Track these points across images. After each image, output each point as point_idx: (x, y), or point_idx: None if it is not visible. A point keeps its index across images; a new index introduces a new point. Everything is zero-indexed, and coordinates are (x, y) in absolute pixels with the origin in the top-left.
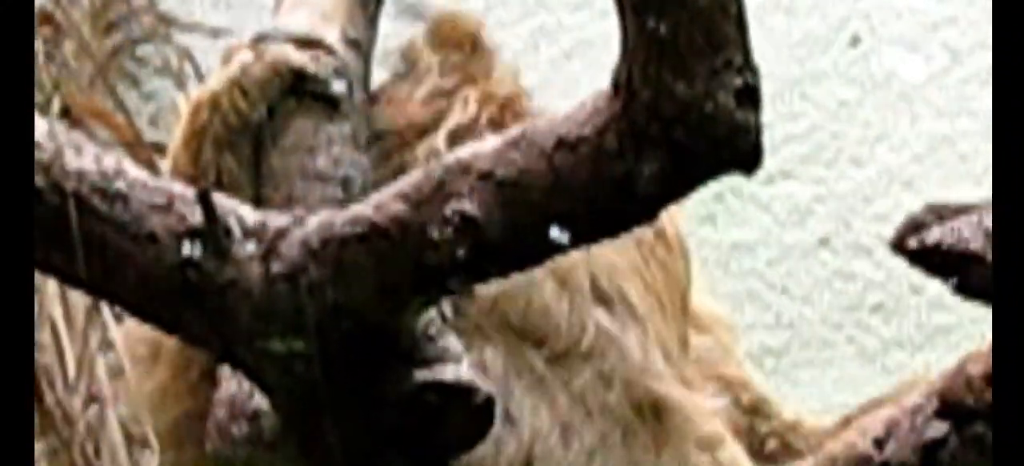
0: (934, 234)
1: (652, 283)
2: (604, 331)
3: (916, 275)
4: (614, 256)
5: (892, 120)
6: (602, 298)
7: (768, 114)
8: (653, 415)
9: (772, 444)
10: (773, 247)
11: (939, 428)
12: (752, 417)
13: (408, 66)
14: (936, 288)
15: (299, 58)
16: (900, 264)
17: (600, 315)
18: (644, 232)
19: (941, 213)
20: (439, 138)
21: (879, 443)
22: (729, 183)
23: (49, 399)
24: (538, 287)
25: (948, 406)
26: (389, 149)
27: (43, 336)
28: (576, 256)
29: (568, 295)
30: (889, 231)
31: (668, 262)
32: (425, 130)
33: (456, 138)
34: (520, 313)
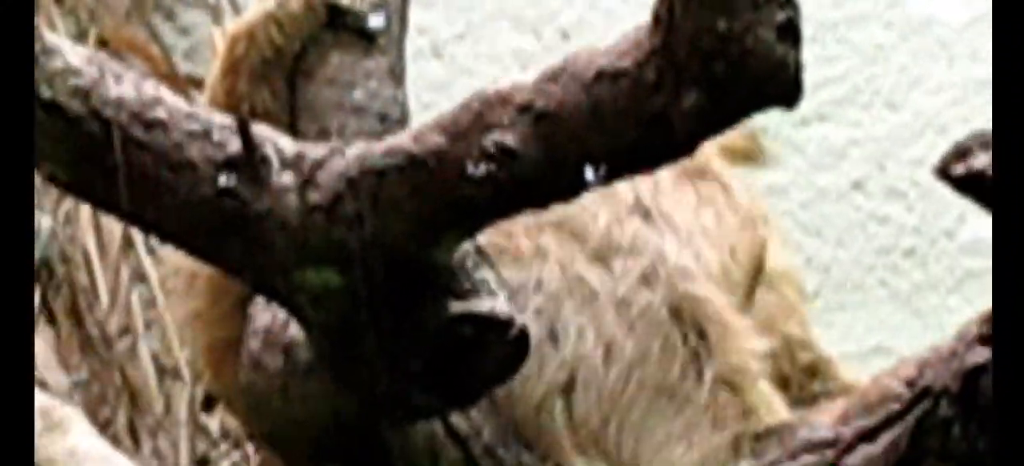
0: (980, 160)
1: (700, 215)
2: (640, 232)
3: (949, 219)
4: (659, 177)
5: (929, 64)
6: (642, 210)
7: (804, 56)
8: (693, 327)
9: (822, 403)
10: (807, 189)
11: (982, 353)
12: (807, 376)
13: None
14: (969, 233)
15: None
16: (933, 208)
17: (637, 222)
18: (707, 184)
19: (987, 142)
20: None
21: (911, 382)
22: (763, 123)
23: (87, 322)
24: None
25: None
26: None
27: (78, 261)
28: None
29: (609, 203)
30: (923, 175)
31: (725, 212)
32: None
33: None
34: (566, 210)
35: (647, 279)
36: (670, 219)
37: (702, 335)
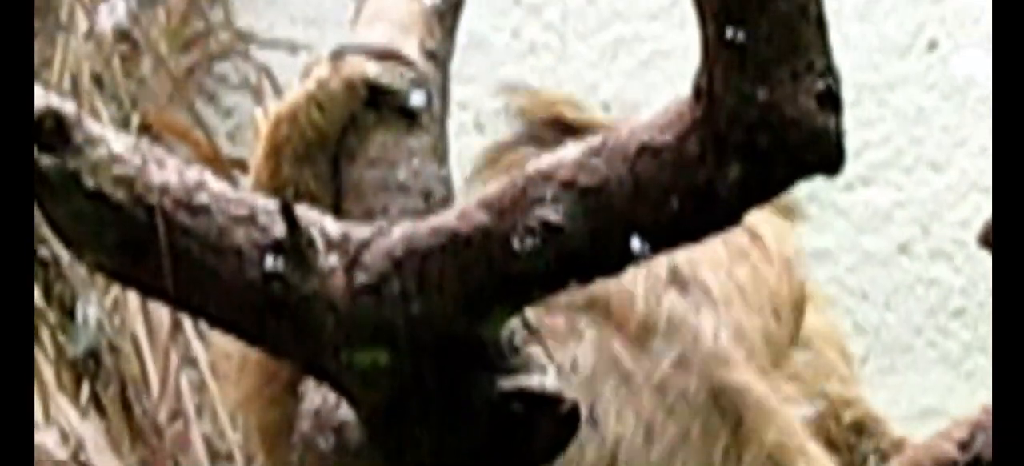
0: None
1: (735, 276)
2: (677, 312)
3: None
4: (697, 250)
5: (971, 124)
6: (678, 281)
7: (846, 121)
8: (733, 413)
9: (874, 462)
10: (853, 253)
11: None
12: (854, 434)
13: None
14: None
15: (376, 71)
16: (980, 268)
17: (673, 296)
18: (736, 237)
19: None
20: None
21: (964, 445)
22: (808, 189)
23: (137, 411)
24: None
25: None
26: None
27: (126, 350)
28: None
29: (645, 271)
30: (969, 236)
31: (759, 265)
32: None
33: None
34: (603, 288)
35: (684, 363)
36: (707, 289)
37: (741, 421)
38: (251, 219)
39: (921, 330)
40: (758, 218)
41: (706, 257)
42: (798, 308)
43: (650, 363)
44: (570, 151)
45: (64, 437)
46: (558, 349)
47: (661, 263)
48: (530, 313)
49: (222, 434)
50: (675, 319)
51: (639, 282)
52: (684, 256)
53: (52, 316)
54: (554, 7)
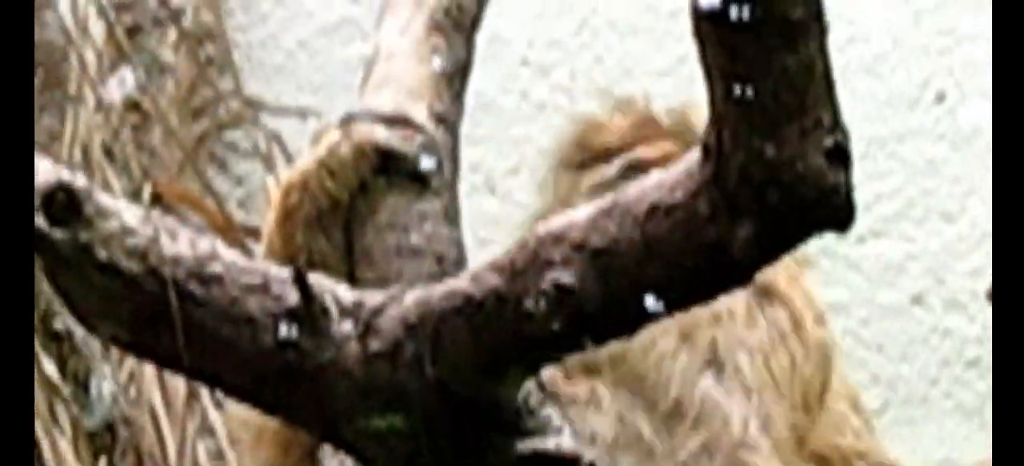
0: None
1: (772, 365)
2: (710, 395)
3: None
4: (741, 329)
5: (980, 174)
6: (716, 362)
7: (857, 174)
8: None
9: None
10: (867, 306)
11: None
12: None
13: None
14: None
15: (386, 137)
16: None
17: (709, 379)
18: (784, 324)
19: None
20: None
21: None
22: (820, 244)
23: None
24: (664, 333)
25: None
26: None
27: (143, 422)
28: (702, 313)
29: (686, 349)
30: (982, 286)
31: (797, 356)
32: None
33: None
34: (639, 355)
35: (709, 448)
36: (743, 376)
37: None
38: (264, 288)
39: (937, 381)
40: (801, 299)
41: (747, 341)
42: (823, 392)
43: (674, 443)
44: (581, 212)
45: None
46: (578, 416)
47: (702, 341)
48: (548, 378)
49: None
50: (707, 405)
51: (678, 361)
52: (725, 336)
53: (67, 390)
54: (562, 68)
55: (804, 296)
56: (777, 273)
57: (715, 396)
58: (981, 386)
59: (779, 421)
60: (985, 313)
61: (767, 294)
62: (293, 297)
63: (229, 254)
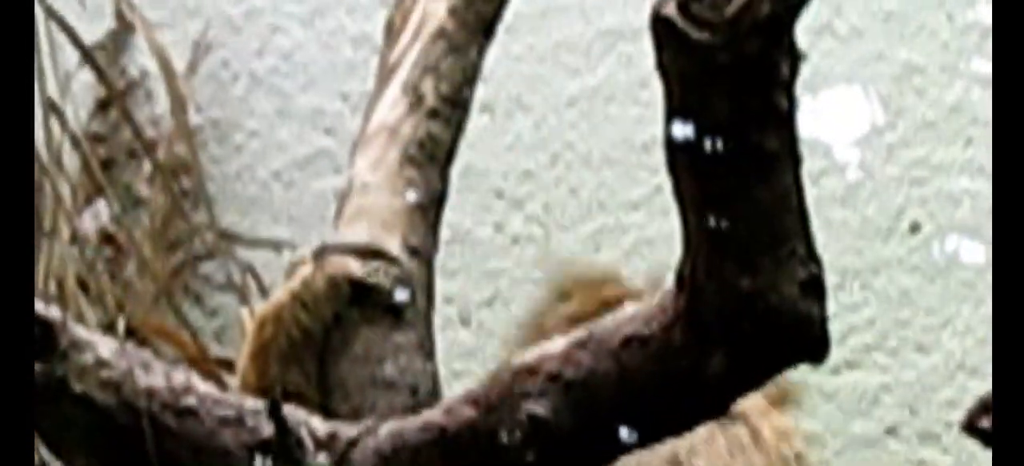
0: None
1: (728, 463)
2: None
3: (986, 461)
4: (700, 443)
5: (955, 306)
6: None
7: (831, 305)
8: None
9: None
10: (841, 437)
11: None
12: None
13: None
14: None
15: (360, 269)
16: (969, 450)
17: None
18: (744, 438)
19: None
20: None
21: None
22: (795, 375)
23: None
24: None
25: None
26: None
27: None
28: None
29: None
30: (957, 418)
31: (748, 448)
32: None
33: None
34: None
35: None
36: None
37: None
38: (239, 420)
39: None
40: (760, 414)
41: (705, 449)
42: None
43: None
44: (555, 344)
45: None
46: None
47: (662, 451)
48: None
49: None
50: None
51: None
52: (685, 446)
53: None
54: (536, 200)
55: (766, 415)
56: (746, 403)
57: None
58: None
59: None
60: (958, 444)
61: (730, 418)
62: (268, 429)
63: (203, 387)
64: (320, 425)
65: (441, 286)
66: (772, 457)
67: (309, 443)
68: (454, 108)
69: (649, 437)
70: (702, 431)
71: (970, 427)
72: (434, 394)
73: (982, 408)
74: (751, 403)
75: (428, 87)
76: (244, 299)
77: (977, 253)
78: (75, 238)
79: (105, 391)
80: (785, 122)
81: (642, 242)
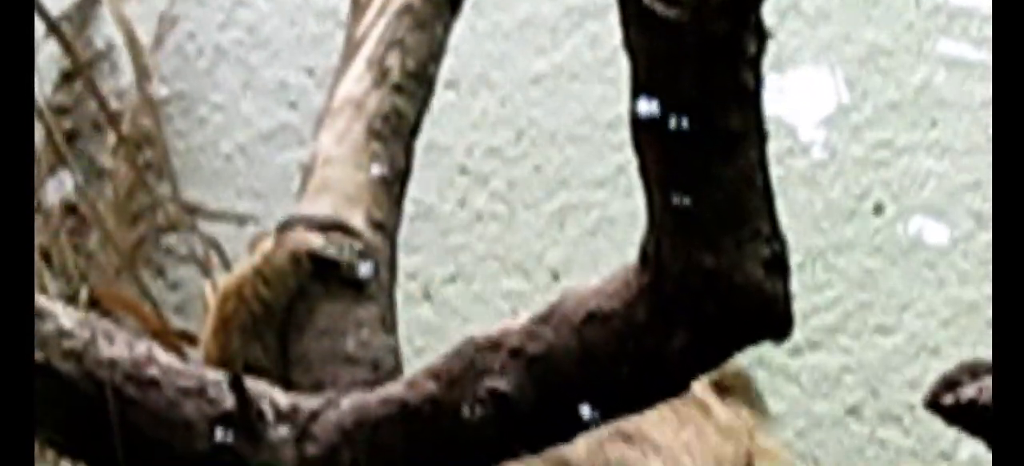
0: (969, 391)
1: (681, 435)
2: (627, 458)
3: (946, 442)
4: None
5: (918, 287)
6: (623, 435)
7: (794, 285)
8: None
9: None
10: (802, 417)
11: None
12: None
13: None
14: (966, 452)
15: (322, 243)
16: (930, 431)
17: (621, 446)
18: (685, 407)
19: (975, 371)
20: None
21: None
22: (756, 355)
23: None
24: None
25: None
26: None
27: None
28: None
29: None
30: (918, 398)
31: (705, 429)
32: None
33: None
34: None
35: None
36: (652, 440)
37: None
38: (200, 392)
39: None
40: (711, 398)
41: (652, 417)
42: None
43: None
44: (518, 320)
45: None
46: None
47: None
48: None
49: None
50: (624, 463)
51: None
52: (634, 419)
53: None
54: (500, 176)
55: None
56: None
57: (629, 455)
58: None
59: None
60: (920, 426)
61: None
62: (229, 401)
63: (166, 358)
64: (282, 398)
65: (404, 261)
66: (720, 424)
67: (270, 415)
68: (419, 83)
69: (610, 413)
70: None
71: (933, 404)
72: (396, 369)
73: (945, 385)
74: (698, 384)
75: (394, 62)
76: (207, 272)
77: (940, 234)
78: (39, 208)
79: (66, 360)
80: (751, 101)
81: (605, 220)
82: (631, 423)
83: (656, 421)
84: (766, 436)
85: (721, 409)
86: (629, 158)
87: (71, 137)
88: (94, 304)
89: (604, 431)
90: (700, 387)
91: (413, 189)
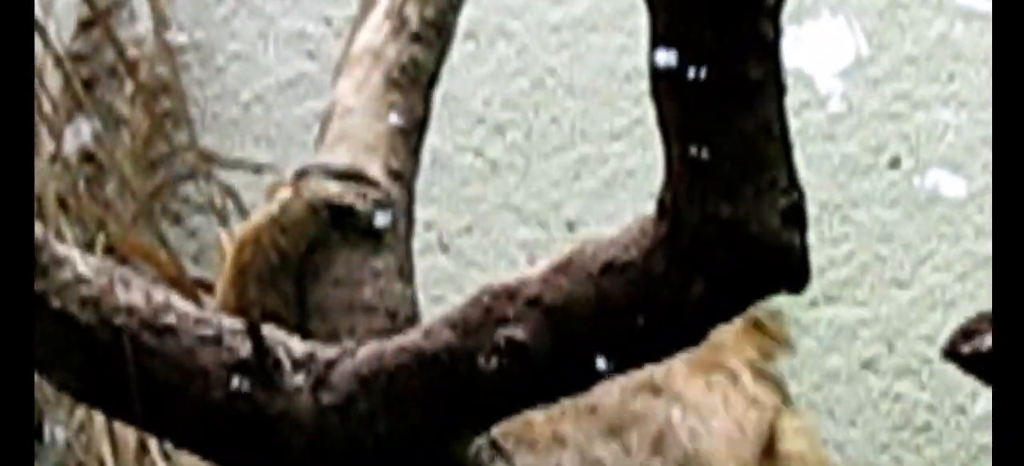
0: (987, 341)
1: (705, 393)
2: (652, 405)
3: (962, 395)
4: (673, 366)
5: (934, 241)
6: (652, 387)
7: (810, 238)
8: None
9: None
10: (818, 371)
11: None
12: None
13: None
14: (982, 407)
15: (340, 192)
16: (945, 384)
17: (648, 397)
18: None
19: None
20: None
21: None
22: (772, 307)
23: None
24: None
25: None
26: None
27: None
28: None
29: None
30: (934, 352)
31: (728, 389)
32: None
33: None
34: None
35: (657, 446)
36: (679, 395)
37: None
38: (217, 340)
39: (887, 446)
40: (743, 370)
41: (682, 374)
42: (765, 443)
43: (627, 456)
44: (535, 269)
45: None
46: (541, 457)
47: (639, 375)
48: (509, 423)
49: None
50: (649, 411)
51: (615, 385)
52: (661, 373)
53: None
54: (518, 127)
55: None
56: (728, 352)
57: (654, 404)
58: (930, 452)
59: (718, 433)
60: (936, 380)
61: (713, 366)
62: (246, 349)
63: (183, 305)
64: (298, 346)
65: (421, 212)
66: (748, 397)
67: (287, 363)
68: (438, 33)
69: (627, 363)
70: (681, 367)
71: (951, 353)
72: (412, 319)
73: (963, 334)
74: (732, 357)
75: (412, 11)
76: (224, 221)
77: (957, 187)
78: (56, 156)
79: (83, 307)
80: (770, 51)
81: (622, 172)
82: (662, 380)
83: (685, 379)
84: (792, 417)
85: (750, 381)
86: (646, 110)
87: (89, 85)
88: (111, 252)
89: (635, 381)
90: (734, 360)
91: (430, 139)
